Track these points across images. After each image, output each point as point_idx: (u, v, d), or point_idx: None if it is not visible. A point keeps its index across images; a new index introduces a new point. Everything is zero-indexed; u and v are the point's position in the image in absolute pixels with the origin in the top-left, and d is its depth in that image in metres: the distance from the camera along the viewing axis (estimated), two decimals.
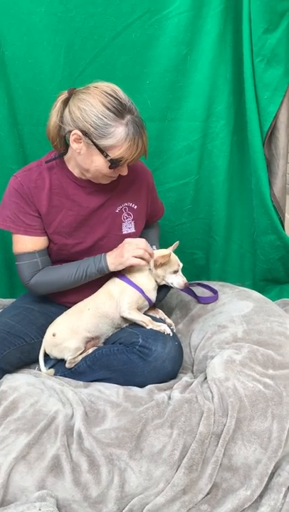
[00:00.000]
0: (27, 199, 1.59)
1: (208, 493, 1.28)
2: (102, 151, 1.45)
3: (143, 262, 1.58)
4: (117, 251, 1.61)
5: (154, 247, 1.77)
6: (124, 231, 1.71)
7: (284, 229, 2.11)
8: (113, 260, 1.60)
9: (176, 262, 1.65)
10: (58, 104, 1.49)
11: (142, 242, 1.61)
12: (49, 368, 1.64)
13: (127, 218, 1.70)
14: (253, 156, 1.96)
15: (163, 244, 1.77)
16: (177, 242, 1.70)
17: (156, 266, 1.62)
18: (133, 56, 1.86)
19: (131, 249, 1.58)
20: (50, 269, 1.66)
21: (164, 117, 1.97)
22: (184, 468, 1.26)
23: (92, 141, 1.44)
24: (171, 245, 1.70)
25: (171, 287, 1.69)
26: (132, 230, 1.72)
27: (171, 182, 2.07)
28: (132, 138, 1.44)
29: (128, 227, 1.71)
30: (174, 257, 1.65)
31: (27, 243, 1.62)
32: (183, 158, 2.04)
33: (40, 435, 1.30)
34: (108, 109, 1.41)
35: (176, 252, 1.69)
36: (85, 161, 1.52)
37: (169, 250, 1.66)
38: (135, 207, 1.71)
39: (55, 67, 1.84)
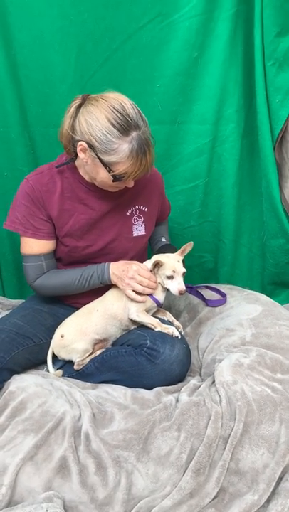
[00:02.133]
0: (37, 203, 1.60)
1: (215, 497, 1.27)
2: (106, 165, 1.45)
3: (138, 298, 1.58)
4: (122, 268, 1.60)
5: (164, 238, 1.78)
6: (135, 233, 1.71)
7: None
8: (115, 279, 1.62)
9: (171, 268, 1.58)
10: (72, 109, 1.49)
11: (148, 275, 1.59)
12: (57, 369, 1.65)
13: (137, 221, 1.71)
14: (263, 159, 1.96)
15: None
16: (190, 243, 1.64)
17: (152, 272, 1.60)
18: (144, 59, 1.86)
19: (133, 283, 1.57)
20: (54, 273, 1.68)
21: (174, 120, 1.97)
22: (191, 471, 1.26)
23: (97, 155, 1.44)
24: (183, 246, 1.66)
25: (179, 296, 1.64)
26: (143, 232, 1.73)
27: (181, 185, 2.08)
28: (136, 156, 1.42)
29: (138, 229, 1.71)
30: (170, 262, 1.59)
31: (34, 246, 1.64)
32: (192, 162, 2.04)
33: (47, 436, 1.30)
34: (113, 125, 1.40)
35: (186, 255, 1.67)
36: (91, 171, 1.53)
37: (178, 256, 1.64)
38: (146, 209, 1.72)
39: (67, 69, 1.85)
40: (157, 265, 1.58)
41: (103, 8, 1.77)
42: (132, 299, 1.59)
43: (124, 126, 1.40)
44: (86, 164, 1.52)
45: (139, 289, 1.57)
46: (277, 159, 1.98)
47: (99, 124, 1.41)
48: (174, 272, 1.58)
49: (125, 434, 1.33)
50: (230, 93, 1.92)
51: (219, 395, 1.40)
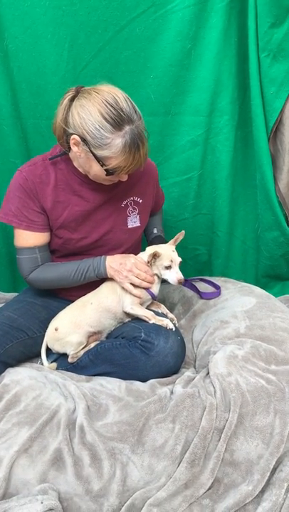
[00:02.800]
0: (31, 194, 1.58)
1: (209, 488, 1.27)
2: (99, 160, 1.44)
3: (134, 291, 1.58)
4: (120, 262, 1.60)
5: (156, 230, 1.78)
6: (130, 225, 1.71)
7: (288, 225, 2.10)
8: (112, 272, 1.61)
9: (168, 258, 1.59)
10: (65, 101, 1.47)
11: (145, 268, 1.59)
12: (51, 362, 1.64)
13: (132, 212, 1.70)
14: (258, 151, 1.95)
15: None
16: (182, 232, 1.65)
17: (148, 263, 1.61)
18: (137, 50, 1.85)
19: (130, 275, 1.58)
20: (49, 266, 1.67)
21: (167, 112, 1.96)
22: (185, 462, 1.26)
23: (90, 150, 1.43)
24: (176, 236, 1.67)
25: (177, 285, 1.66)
26: (138, 223, 1.72)
27: (175, 177, 2.07)
28: (129, 150, 1.41)
29: (133, 221, 1.71)
30: (167, 252, 1.60)
31: (28, 238, 1.62)
32: (186, 153, 2.04)
33: (42, 429, 1.30)
34: (106, 120, 1.38)
35: (179, 246, 1.67)
36: (84, 164, 1.52)
37: (172, 246, 1.64)
38: (140, 201, 1.71)
39: (59, 60, 1.83)
40: (154, 256, 1.58)
41: None
42: (128, 292, 1.59)
43: (117, 121, 1.38)
44: (79, 157, 1.51)
45: (137, 282, 1.57)
46: (271, 151, 1.97)
47: (92, 118, 1.39)
48: (171, 261, 1.59)
49: (120, 426, 1.33)
50: (224, 85, 1.91)
51: (214, 387, 1.41)
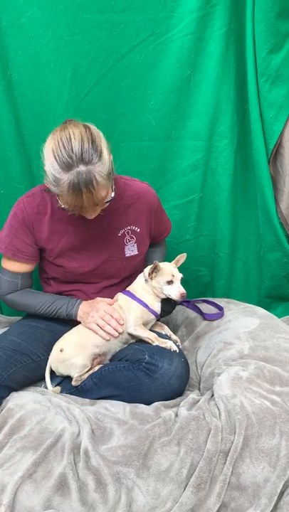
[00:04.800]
0: (25, 227, 1.63)
1: None
2: (56, 196, 1.46)
3: (100, 332, 1.60)
4: (90, 306, 1.65)
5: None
6: (127, 253, 1.72)
7: None
8: (82, 314, 1.65)
9: (170, 273, 1.60)
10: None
11: (111, 311, 1.62)
12: (55, 386, 1.64)
13: (129, 241, 1.71)
14: (258, 173, 1.98)
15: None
16: (183, 254, 1.67)
17: (150, 277, 1.62)
18: (138, 77, 1.89)
19: (96, 316, 1.61)
20: (28, 292, 1.73)
21: (168, 137, 2.00)
22: (191, 487, 1.25)
23: (49, 185, 1.45)
24: (177, 257, 1.68)
25: (175, 301, 1.65)
26: (135, 252, 1.73)
27: (176, 200, 2.09)
28: (73, 192, 1.38)
29: (131, 249, 1.72)
30: (168, 268, 1.61)
31: (12, 264, 1.69)
32: (187, 177, 2.06)
33: (46, 453, 1.29)
34: (56, 160, 1.37)
35: (181, 268, 1.68)
36: None
37: (172, 264, 1.66)
38: (138, 230, 1.72)
39: (62, 88, 1.87)
40: (155, 270, 1.59)
41: (97, 29, 1.80)
42: (94, 332, 1.62)
43: (66, 162, 1.36)
44: None
45: (101, 323, 1.60)
46: (272, 173, 2.00)
47: (46, 156, 1.41)
48: (172, 276, 1.59)
49: (125, 449, 1.32)
50: (223, 109, 1.95)
51: (218, 409, 1.40)
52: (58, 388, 1.62)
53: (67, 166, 1.36)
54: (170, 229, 1.92)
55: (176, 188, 2.08)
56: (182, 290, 1.60)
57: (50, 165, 1.39)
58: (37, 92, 1.87)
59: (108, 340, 1.62)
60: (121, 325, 1.62)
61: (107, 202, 1.49)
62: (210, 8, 1.78)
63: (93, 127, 1.46)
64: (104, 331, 1.60)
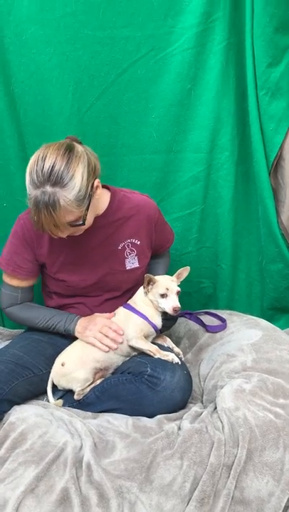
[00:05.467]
0: (25, 243, 1.65)
1: None
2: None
3: (98, 344, 1.60)
4: (88, 321, 1.66)
5: None
6: (128, 266, 1.72)
7: None
8: (80, 329, 1.66)
9: (164, 286, 1.59)
10: None
11: (109, 323, 1.62)
12: (57, 399, 1.63)
13: (130, 254, 1.72)
14: (259, 185, 1.99)
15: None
16: (186, 268, 1.66)
17: (145, 290, 1.63)
18: (139, 91, 1.91)
19: (94, 330, 1.62)
20: (28, 306, 1.75)
21: (169, 149, 2.01)
22: (195, 501, 1.24)
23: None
24: (179, 270, 1.68)
25: (173, 315, 1.63)
26: (136, 264, 1.73)
27: (177, 212, 2.10)
28: (35, 209, 1.41)
29: (132, 262, 1.72)
30: (162, 281, 1.61)
31: (12, 280, 1.71)
32: (188, 189, 2.07)
33: (48, 467, 1.29)
34: (29, 176, 1.42)
35: (183, 279, 1.68)
36: None
37: (172, 277, 1.66)
38: (138, 242, 1.72)
39: (64, 103, 1.89)
40: (150, 282, 1.59)
41: (98, 45, 1.83)
42: (92, 345, 1.62)
43: (35, 180, 1.40)
44: None
45: (99, 336, 1.60)
46: (272, 185, 2.01)
47: (26, 171, 1.44)
48: (167, 289, 1.59)
49: (127, 463, 1.31)
50: (224, 123, 1.96)
51: (221, 422, 1.39)
52: (60, 401, 1.62)
53: (35, 184, 1.40)
54: (172, 240, 1.92)
55: (177, 200, 2.09)
56: (175, 304, 1.58)
57: (26, 179, 1.43)
58: (39, 107, 1.90)
59: (107, 352, 1.61)
60: (120, 335, 1.61)
61: (79, 225, 1.48)
62: (210, 23, 1.81)
63: (81, 150, 1.46)
64: (102, 343, 1.60)
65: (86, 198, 1.45)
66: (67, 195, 1.39)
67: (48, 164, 1.39)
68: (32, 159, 1.44)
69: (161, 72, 1.89)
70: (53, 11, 1.78)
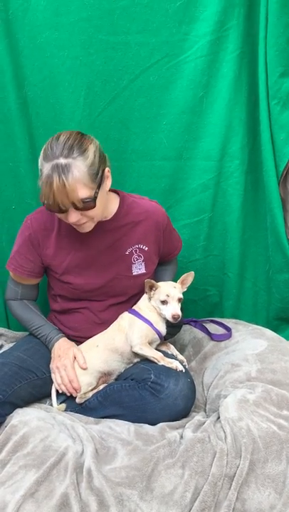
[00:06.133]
0: (29, 243, 1.67)
1: None
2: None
3: (58, 381, 1.62)
4: (60, 354, 1.65)
5: None
6: (135, 272, 1.72)
7: None
8: (53, 356, 1.68)
9: (165, 292, 1.58)
10: None
11: (72, 376, 1.61)
12: (60, 403, 1.62)
13: (137, 260, 1.71)
14: (268, 195, 1.98)
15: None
16: (190, 273, 1.66)
17: (148, 296, 1.63)
18: (151, 98, 1.91)
19: (57, 373, 1.63)
20: (25, 306, 1.78)
21: (179, 156, 2.01)
22: (195, 511, 1.22)
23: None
24: (183, 276, 1.67)
25: (176, 323, 1.62)
26: (143, 270, 1.73)
27: (186, 219, 2.09)
28: (47, 180, 1.42)
29: (138, 268, 1.72)
30: (164, 287, 1.61)
31: (14, 276, 1.74)
32: (197, 196, 2.07)
33: (49, 472, 1.28)
34: (43, 153, 1.47)
35: (189, 287, 1.68)
36: None
37: (175, 283, 1.65)
38: (146, 248, 1.72)
39: (76, 107, 1.90)
40: (152, 288, 1.58)
41: (112, 50, 1.84)
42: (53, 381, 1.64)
43: (48, 154, 1.45)
44: None
45: (58, 381, 1.62)
46: (281, 195, 2.00)
47: (40, 153, 1.49)
48: (167, 296, 1.58)
49: (128, 470, 1.30)
50: (235, 131, 1.96)
51: (224, 432, 1.38)
52: (63, 406, 1.61)
53: (48, 157, 1.44)
54: (180, 247, 1.91)
55: (186, 207, 2.08)
56: (175, 311, 1.57)
57: (40, 158, 1.48)
58: (51, 111, 1.91)
59: (60, 392, 1.63)
60: (77, 392, 1.61)
61: (89, 205, 1.47)
62: (223, 31, 1.81)
63: (94, 139, 1.53)
64: (59, 384, 1.62)
65: (98, 176, 1.48)
66: (80, 165, 1.43)
67: (61, 139, 1.45)
68: (46, 142, 1.48)
69: (173, 79, 1.89)
70: (67, 16, 1.79)
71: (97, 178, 1.47)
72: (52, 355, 1.68)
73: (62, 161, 1.41)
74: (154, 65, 1.87)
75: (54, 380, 1.63)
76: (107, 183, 1.56)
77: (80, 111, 1.91)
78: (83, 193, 1.44)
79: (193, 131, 1.97)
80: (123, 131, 1.96)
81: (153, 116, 1.94)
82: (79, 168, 1.42)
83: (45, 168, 1.44)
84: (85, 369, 1.61)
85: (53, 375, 1.64)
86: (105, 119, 1.93)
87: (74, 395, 1.61)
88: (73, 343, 1.71)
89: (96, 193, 1.48)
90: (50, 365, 1.66)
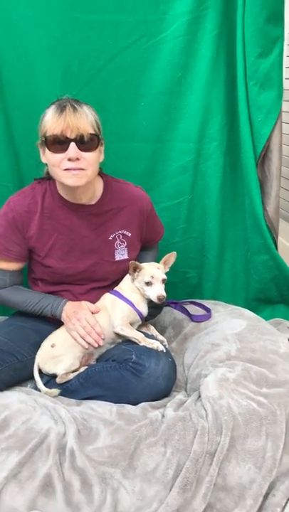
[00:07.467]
0: (14, 226, 1.63)
1: None
2: (42, 138, 1.52)
3: (80, 340, 1.60)
4: (73, 311, 1.63)
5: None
6: (117, 257, 1.72)
7: (277, 249, 2.13)
8: (65, 318, 1.64)
9: (149, 274, 1.59)
10: None
11: (93, 322, 1.60)
12: (44, 385, 1.61)
13: (120, 245, 1.71)
14: (246, 176, 1.99)
15: None
16: (172, 253, 1.67)
17: (132, 277, 1.63)
18: (128, 78, 1.89)
19: (77, 325, 1.60)
20: (16, 290, 1.73)
21: (158, 138, 2.00)
22: (177, 487, 1.24)
23: (40, 139, 1.53)
24: (165, 256, 1.68)
25: (158, 303, 1.63)
26: (125, 256, 1.73)
27: (165, 201, 2.09)
28: (58, 108, 1.48)
29: (121, 253, 1.72)
30: (148, 268, 1.61)
31: (1, 263, 1.69)
32: (177, 179, 2.07)
33: (31, 453, 1.28)
34: (48, 108, 1.52)
35: (169, 269, 1.68)
36: (50, 168, 1.56)
37: (158, 264, 1.66)
38: (129, 234, 1.72)
39: (52, 87, 1.86)
40: (136, 269, 1.59)
41: (88, 29, 1.80)
42: (75, 339, 1.61)
43: (55, 102, 1.52)
44: (48, 166, 1.57)
45: (82, 333, 1.59)
46: (259, 177, 2.01)
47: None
48: (152, 277, 1.59)
49: (111, 450, 1.31)
50: (214, 112, 1.96)
51: (205, 410, 1.40)
52: (57, 391, 1.58)
53: (53, 103, 1.51)
54: (162, 234, 1.92)
55: (166, 189, 2.08)
56: (160, 292, 1.58)
57: (41, 117, 1.53)
58: (28, 91, 1.87)
59: (87, 349, 1.61)
60: (102, 339, 1.61)
61: (93, 145, 1.51)
62: (202, 11, 1.80)
63: None
64: (84, 340, 1.60)
65: (100, 132, 1.55)
66: (88, 109, 1.53)
67: (64, 97, 1.53)
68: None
69: (151, 59, 1.88)
70: None
71: (100, 128, 1.54)
72: (64, 318, 1.64)
73: (65, 97, 1.51)
74: (131, 45, 1.85)
75: (77, 334, 1.59)
76: (102, 151, 1.60)
77: (56, 91, 1.85)
78: (91, 127, 1.50)
79: (171, 113, 1.96)
80: (101, 113, 1.90)
81: (131, 97, 1.93)
82: (87, 110, 1.52)
83: (53, 105, 1.50)
84: (97, 312, 1.62)
85: (73, 333, 1.60)
86: (83, 100, 1.89)
87: (99, 344, 1.59)
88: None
89: (99, 137, 1.54)
90: (67, 326, 1.63)
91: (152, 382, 1.49)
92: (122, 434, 1.35)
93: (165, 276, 1.62)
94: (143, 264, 1.62)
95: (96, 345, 1.60)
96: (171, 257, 1.67)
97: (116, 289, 1.68)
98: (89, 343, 1.59)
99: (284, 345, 1.66)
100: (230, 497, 1.28)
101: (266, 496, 1.30)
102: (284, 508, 1.29)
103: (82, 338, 1.59)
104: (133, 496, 1.24)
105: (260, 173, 2.01)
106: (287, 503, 1.30)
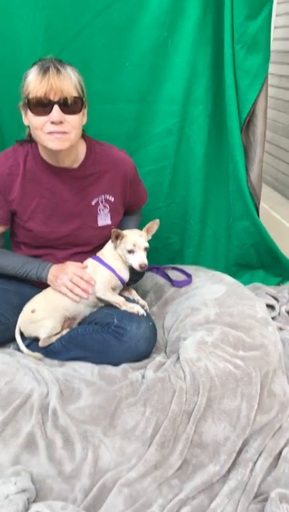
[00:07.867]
0: None
1: (178, 469, 1.32)
2: (25, 100, 1.48)
3: (70, 295, 1.60)
4: (59, 269, 1.63)
5: None
6: (100, 223, 1.71)
7: (259, 215, 2.15)
8: (51, 278, 1.63)
9: (132, 242, 1.60)
10: None
11: (81, 273, 1.61)
12: (27, 348, 1.64)
13: (102, 210, 1.70)
14: (230, 141, 1.98)
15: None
16: (156, 221, 1.67)
17: (114, 244, 1.64)
18: (114, 37, 1.84)
19: (65, 279, 1.60)
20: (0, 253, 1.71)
21: (143, 99, 1.97)
22: (155, 444, 1.30)
23: (22, 100, 1.49)
24: (148, 224, 1.68)
25: (140, 271, 1.64)
26: (108, 221, 1.72)
27: (149, 165, 2.08)
28: (41, 69, 1.43)
29: (104, 219, 1.71)
30: (131, 236, 1.62)
31: None
32: (161, 142, 2.05)
33: (15, 413, 1.32)
34: (29, 69, 1.47)
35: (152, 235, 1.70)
36: (32, 131, 1.53)
37: (141, 232, 1.67)
38: (112, 199, 1.71)
39: (35, 43, 1.81)
40: (118, 237, 1.59)
41: None
42: (65, 295, 1.61)
43: (37, 62, 1.47)
44: (30, 128, 1.53)
45: (69, 285, 1.59)
46: (244, 142, 2.01)
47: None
48: (134, 245, 1.60)
49: (92, 409, 1.35)
50: (200, 74, 1.92)
51: (183, 371, 1.44)
52: (39, 355, 1.61)
53: (35, 64, 1.47)
54: (146, 199, 1.91)
55: (150, 152, 2.06)
56: (141, 260, 1.60)
57: (23, 78, 1.48)
58: (9, 47, 1.81)
59: (78, 303, 1.62)
60: (92, 285, 1.61)
61: (77, 108, 1.48)
62: None
63: None
64: (73, 293, 1.61)
65: (84, 94, 1.51)
66: (72, 71, 1.48)
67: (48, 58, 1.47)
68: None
69: (137, 17, 1.82)
70: None
71: (83, 90, 1.50)
72: (50, 278, 1.63)
73: (48, 58, 1.46)
74: (117, 2, 1.78)
75: (65, 289, 1.59)
76: (86, 114, 1.56)
77: (39, 48, 1.81)
78: (74, 90, 1.47)
79: (157, 73, 1.92)
80: (84, 72, 1.84)
81: (116, 56, 1.88)
82: (71, 72, 1.47)
83: (36, 65, 1.45)
84: (84, 268, 1.63)
85: (62, 288, 1.60)
86: (66, 59, 1.80)
87: (88, 292, 1.60)
88: None
89: (82, 99, 1.50)
90: (54, 285, 1.63)
91: (133, 345, 1.53)
92: (103, 394, 1.40)
93: (147, 244, 1.63)
94: (125, 232, 1.62)
95: (86, 296, 1.60)
96: (154, 225, 1.67)
97: (98, 254, 1.69)
98: (79, 295, 1.60)
99: (261, 310, 1.70)
100: (205, 453, 1.34)
101: (239, 452, 1.37)
102: (255, 462, 1.36)
103: (70, 291, 1.60)
104: (113, 452, 1.29)
105: (244, 139, 2.01)
106: (258, 458, 1.37)
